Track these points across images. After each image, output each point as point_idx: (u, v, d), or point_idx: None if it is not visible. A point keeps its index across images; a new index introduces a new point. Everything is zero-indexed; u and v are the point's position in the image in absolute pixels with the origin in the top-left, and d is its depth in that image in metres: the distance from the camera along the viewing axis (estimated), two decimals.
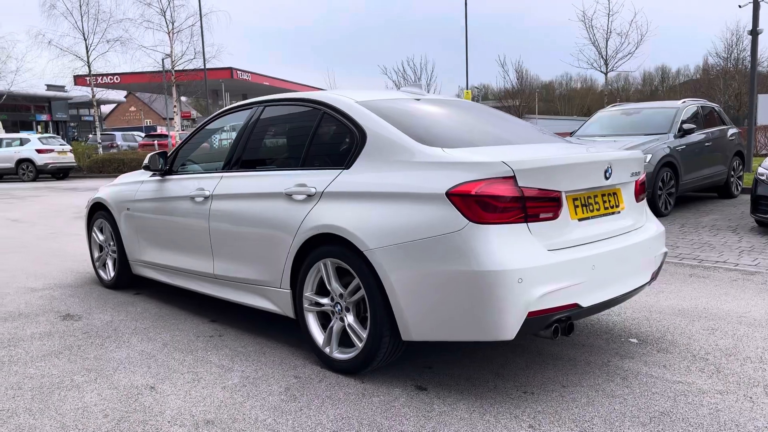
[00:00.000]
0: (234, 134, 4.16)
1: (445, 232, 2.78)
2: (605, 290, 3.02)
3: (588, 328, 3.91)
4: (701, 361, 3.33)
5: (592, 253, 2.95)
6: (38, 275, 5.87)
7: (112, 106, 72.60)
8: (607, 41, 22.50)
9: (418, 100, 3.87)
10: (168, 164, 4.60)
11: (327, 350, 3.31)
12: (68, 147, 22.47)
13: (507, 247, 2.73)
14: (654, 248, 3.43)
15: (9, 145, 22.18)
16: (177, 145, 4.70)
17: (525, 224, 2.80)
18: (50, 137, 22.82)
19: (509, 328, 2.71)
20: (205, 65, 21.48)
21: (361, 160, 3.24)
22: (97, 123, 25.81)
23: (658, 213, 8.47)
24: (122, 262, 5.06)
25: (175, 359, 3.55)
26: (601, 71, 22.90)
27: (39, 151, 21.52)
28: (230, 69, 41.21)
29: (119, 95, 63.83)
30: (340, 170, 3.30)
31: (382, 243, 2.95)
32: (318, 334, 3.38)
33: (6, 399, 3.06)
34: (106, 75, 40.01)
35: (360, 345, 3.14)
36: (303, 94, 3.81)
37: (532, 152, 3.15)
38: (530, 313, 2.71)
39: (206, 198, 4.04)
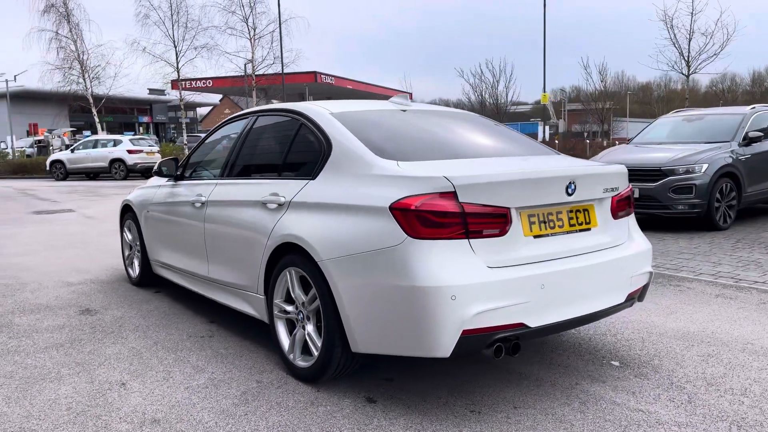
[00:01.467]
0: (233, 142, 4.32)
1: (386, 246, 2.79)
2: (560, 310, 2.91)
3: (571, 348, 3.77)
4: (676, 390, 3.13)
5: (543, 272, 2.85)
6: (80, 270, 6.30)
7: (209, 108, 76.12)
8: (689, 41, 21.30)
9: (404, 111, 3.87)
10: (180, 170, 4.83)
11: (291, 357, 3.38)
12: (156, 148, 23.85)
13: (444, 263, 2.69)
14: (632, 268, 3.26)
15: (104, 145, 23.80)
16: (189, 152, 4.93)
17: (466, 240, 2.75)
18: (140, 139, 24.30)
19: (444, 345, 2.68)
20: (282, 70, 22.20)
21: (326, 171, 3.29)
22: (183, 125, 27.31)
23: (715, 227, 7.98)
24: (144, 261, 5.36)
25: (157, 357, 3.73)
26: (682, 73, 21.67)
27: (129, 151, 22.94)
28: (314, 73, 42.29)
29: (214, 98, 66.95)
30: (308, 180, 3.36)
31: (333, 254, 2.99)
32: (285, 341, 3.45)
33: None
34: (199, 79, 42.11)
35: (316, 354, 3.19)
36: (287, 105, 3.90)
37: (485, 167, 3.08)
38: (465, 332, 2.67)
39: (203, 204, 4.22)
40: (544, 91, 26.02)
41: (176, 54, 25.17)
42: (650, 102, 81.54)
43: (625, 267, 3.22)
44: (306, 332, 3.28)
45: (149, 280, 5.43)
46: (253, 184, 3.80)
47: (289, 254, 3.33)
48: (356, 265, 2.90)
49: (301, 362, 3.32)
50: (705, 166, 7.90)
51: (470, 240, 2.76)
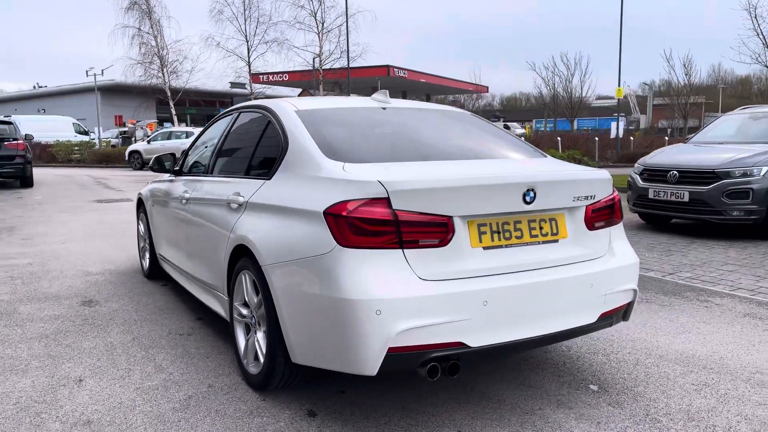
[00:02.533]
0: (216, 138, 4.26)
1: (317, 254, 2.63)
2: (509, 330, 2.66)
3: (552, 366, 3.47)
4: (648, 424, 2.80)
5: (486, 287, 2.60)
6: (105, 260, 6.47)
7: None
8: None
9: (384, 108, 3.68)
10: (178, 165, 4.83)
11: (245, 362, 3.28)
12: None
13: (372, 274, 2.50)
14: (607, 284, 2.95)
15: (177, 137, 24.69)
16: (187, 148, 4.92)
17: (400, 250, 2.54)
18: None
19: (369, 362, 2.49)
20: (348, 64, 22.25)
21: (281, 171, 3.16)
22: None
23: None
24: (152, 254, 5.42)
25: (127, 354, 3.72)
26: (766, 66, 20.03)
27: None
28: (387, 66, 42.18)
29: (294, 92, 68.35)
30: (265, 180, 3.25)
31: (275, 259, 2.87)
32: (242, 344, 3.35)
33: None
34: (276, 73, 42.99)
35: (262, 362, 3.08)
36: (260, 101, 3.80)
37: (432, 171, 2.83)
38: (391, 349, 2.47)
39: (187, 200, 4.19)
40: (619, 85, 24.77)
41: (248, 48, 25.85)
42: (749, 96, 76.39)
43: (599, 283, 2.91)
44: (256, 338, 3.17)
45: (158, 272, 5.49)
46: (224, 182, 3.73)
47: (244, 256, 3.22)
48: (293, 272, 2.75)
49: (252, 368, 3.21)
50: (765, 169, 7.22)
51: (404, 250, 2.55)
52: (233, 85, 55.67)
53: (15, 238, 7.93)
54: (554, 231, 2.89)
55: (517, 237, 2.79)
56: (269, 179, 3.21)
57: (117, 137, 36.30)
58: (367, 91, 49.03)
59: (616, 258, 3.07)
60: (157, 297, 5.03)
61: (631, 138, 27.02)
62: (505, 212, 2.74)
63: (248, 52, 25.66)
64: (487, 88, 62.48)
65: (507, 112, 74.78)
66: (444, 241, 2.60)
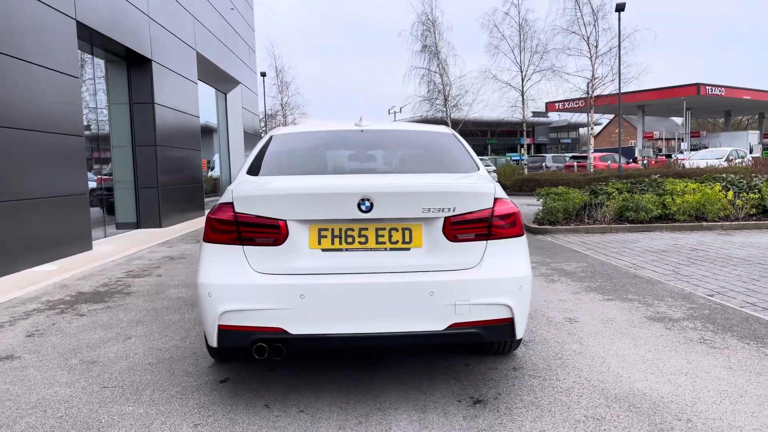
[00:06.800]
0: None
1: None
2: (329, 324, 2.96)
3: (468, 379, 3.46)
4: None
5: (307, 283, 2.95)
6: None
7: (596, 128, 75.54)
8: None
9: (362, 131, 4.12)
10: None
11: None
12: (491, 168, 25.35)
13: (215, 264, 3.09)
14: (457, 294, 2.97)
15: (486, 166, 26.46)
16: None
17: (240, 247, 3.07)
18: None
19: (210, 336, 3.08)
20: (620, 87, 21.13)
21: None
22: (525, 145, 28.41)
23: None
24: None
25: (179, 326, 4.78)
26: None
27: None
28: (696, 85, 38.41)
29: (602, 117, 66.26)
30: None
31: None
32: None
33: None
34: (572, 100, 42.59)
35: None
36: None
37: (291, 182, 3.23)
38: (221, 326, 3.02)
39: None
40: None
41: (522, 78, 26.46)
42: None
43: (444, 292, 2.96)
44: None
45: None
46: None
47: None
48: None
49: None
50: None
51: (244, 247, 3.06)
52: (535, 114, 56.71)
53: None
54: (406, 240, 3.06)
55: (360, 242, 3.05)
56: None
57: None
58: (678, 112, 44.80)
59: (483, 271, 3.04)
60: None
61: None
62: (345, 219, 3.04)
63: (522, 82, 26.28)
64: None
65: None
66: (278, 241, 3.04)
